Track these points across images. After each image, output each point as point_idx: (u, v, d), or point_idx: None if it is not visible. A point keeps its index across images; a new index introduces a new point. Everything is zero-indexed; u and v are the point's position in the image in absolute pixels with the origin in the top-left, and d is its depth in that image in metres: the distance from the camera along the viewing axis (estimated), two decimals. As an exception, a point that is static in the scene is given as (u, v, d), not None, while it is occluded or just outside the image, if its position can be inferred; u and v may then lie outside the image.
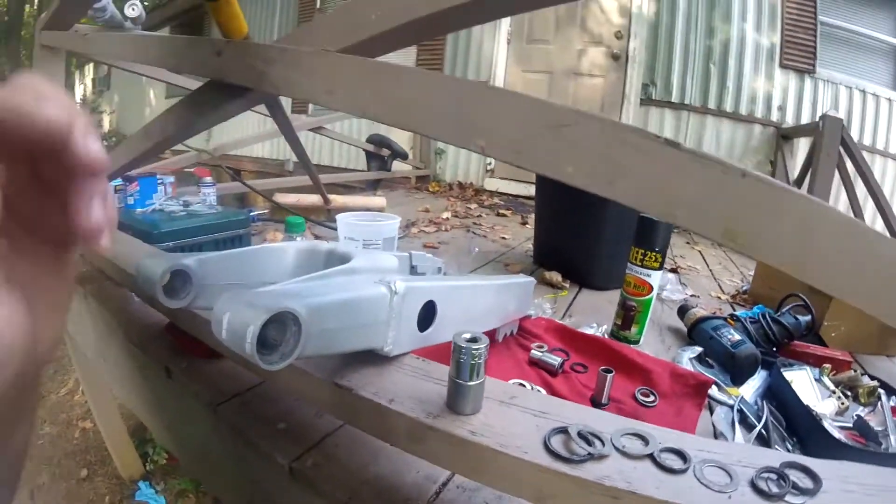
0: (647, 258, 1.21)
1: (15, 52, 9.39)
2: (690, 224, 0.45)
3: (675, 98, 4.01)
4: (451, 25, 0.65)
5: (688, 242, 2.84)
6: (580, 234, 1.72)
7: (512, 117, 0.48)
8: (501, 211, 3.24)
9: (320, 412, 0.80)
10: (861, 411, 1.04)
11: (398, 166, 4.31)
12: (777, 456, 0.52)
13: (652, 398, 0.98)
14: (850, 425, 0.98)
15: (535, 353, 1.06)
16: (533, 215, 3.02)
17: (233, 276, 0.67)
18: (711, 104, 3.96)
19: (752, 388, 1.12)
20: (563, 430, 0.52)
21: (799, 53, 3.87)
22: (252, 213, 1.91)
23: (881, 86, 3.95)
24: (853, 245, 0.43)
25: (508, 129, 0.48)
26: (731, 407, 1.01)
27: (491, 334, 1.06)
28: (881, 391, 1.08)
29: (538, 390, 0.93)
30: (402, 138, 4.40)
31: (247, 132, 3.23)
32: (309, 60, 0.62)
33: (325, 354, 0.51)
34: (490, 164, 4.54)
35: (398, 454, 0.71)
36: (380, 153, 4.11)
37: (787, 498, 0.46)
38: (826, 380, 1.12)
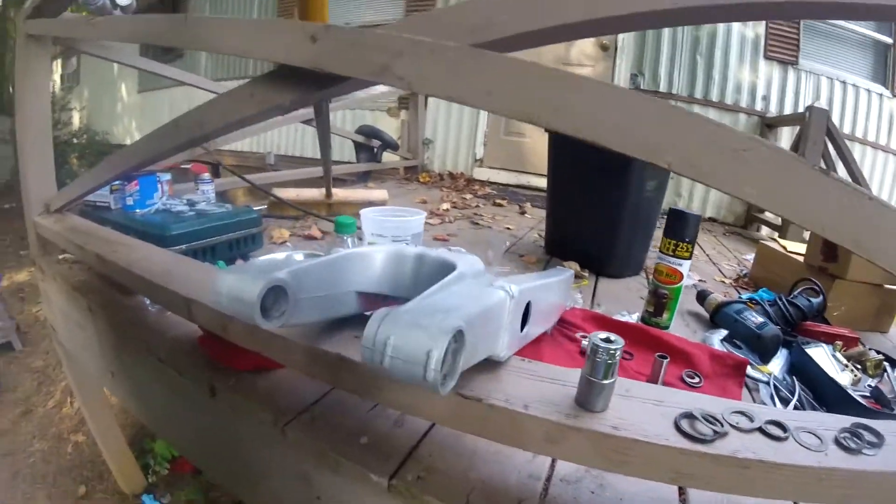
0: (679, 248, 1.26)
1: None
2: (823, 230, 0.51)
3: (662, 88, 4.12)
4: (575, 34, 0.64)
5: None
6: (596, 225, 1.75)
7: (695, 139, 0.51)
8: (497, 201, 3.24)
9: (400, 421, 0.80)
10: (872, 382, 1.14)
11: (386, 157, 4.25)
12: (846, 420, 0.60)
13: (697, 380, 1.03)
14: (868, 394, 1.09)
15: (587, 343, 1.08)
16: (528, 204, 3.09)
17: (323, 286, 0.64)
18: (698, 94, 4.10)
19: (777, 365, 1.19)
20: (689, 415, 0.55)
21: (783, 45, 4.04)
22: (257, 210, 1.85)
23: (861, 77, 4.17)
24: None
25: (692, 149, 0.52)
26: (767, 383, 1.08)
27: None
28: (886, 364, 1.19)
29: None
30: (390, 128, 4.35)
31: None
32: (454, 56, 0.59)
33: (469, 366, 0.51)
34: (479, 153, 4.55)
35: (492, 455, 0.72)
36: (369, 144, 4.05)
37: (864, 451, 0.56)
38: (839, 355, 1.21)
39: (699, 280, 1.84)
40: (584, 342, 1.08)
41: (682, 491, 0.70)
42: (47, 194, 1.41)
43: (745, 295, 1.55)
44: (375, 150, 4.08)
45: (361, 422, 0.79)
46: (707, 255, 2.40)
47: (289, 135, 5.27)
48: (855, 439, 0.57)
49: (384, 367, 0.42)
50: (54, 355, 2.26)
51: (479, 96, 0.57)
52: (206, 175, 1.78)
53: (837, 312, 1.55)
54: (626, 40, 4.11)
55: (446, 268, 0.66)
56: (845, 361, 1.19)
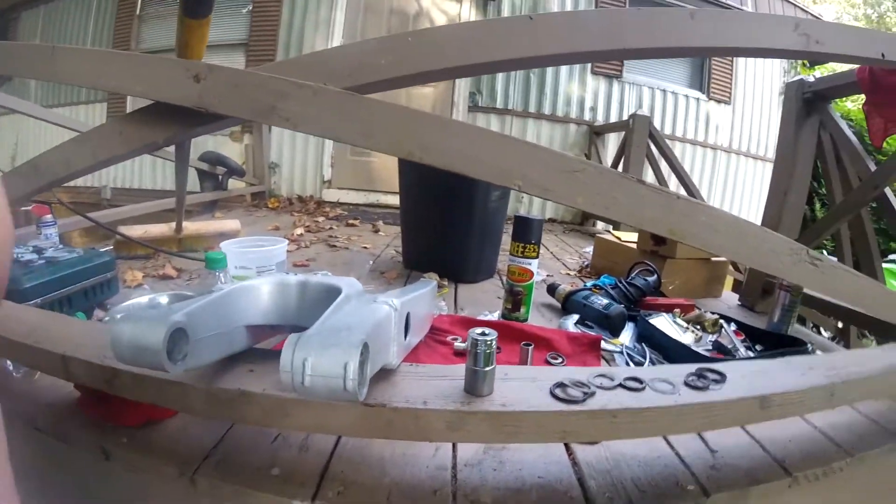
0: (526, 250, 1.43)
1: None
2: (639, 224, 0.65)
3: (499, 104, 4.53)
4: (441, 77, 0.72)
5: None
6: (449, 237, 1.89)
7: (539, 165, 0.62)
8: (350, 221, 3.28)
9: (304, 445, 0.82)
10: (712, 338, 1.38)
11: (232, 184, 4.05)
12: (693, 367, 0.77)
13: (560, 360, 1.18)
14: (711, 347, 1.32)
15: (459, 345, 1.19)
16: (381, 222, 3.17)
17: (217, 324, 0.65)
18: (532, 108, 4.59)
19: (627, 336, 1.39)
20: (560, 384, 0.67)
21: (608, 62, 4.62)
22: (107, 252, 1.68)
23: (680, 85, 5.00)
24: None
25: (537, 173, 0.63)
26: (621, 352, 1.26)
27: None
28: (722, 321, 1.44)
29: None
30: (233, 153, 4.17)
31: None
32: (338, 100, 0.64)
33: (377, 372, 0.56)
34: (326, 175, 4.53)
35: (399, 458, 0.78)
36: (214, 172, 3.84)
37: (711, 387, 0.72)
38: (679, 320, 1.44)
39: (547, 275, 2.07)
40: (456, 344, 1.19)
41: (569, 451, 0.82)
42: None
43: (590, 283, 1.77)
44: (220, 177, 3.88)
45: (268, 454, 0.80)
46: (551, 252, 2.68)
47: (125, 166, 4.83)
48: (701, 380, 0.73)
49: (305, 386, 0.46)
50: None
51: (360, 137, 0.65)
52: (49, 217, 1.58)
53: (673, 287, 1.84)
54: (465, 61, 4.41)
55: (330, 291, 0.70)
56: (685, 325, 1.43)
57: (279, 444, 0.83)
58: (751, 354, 1.31)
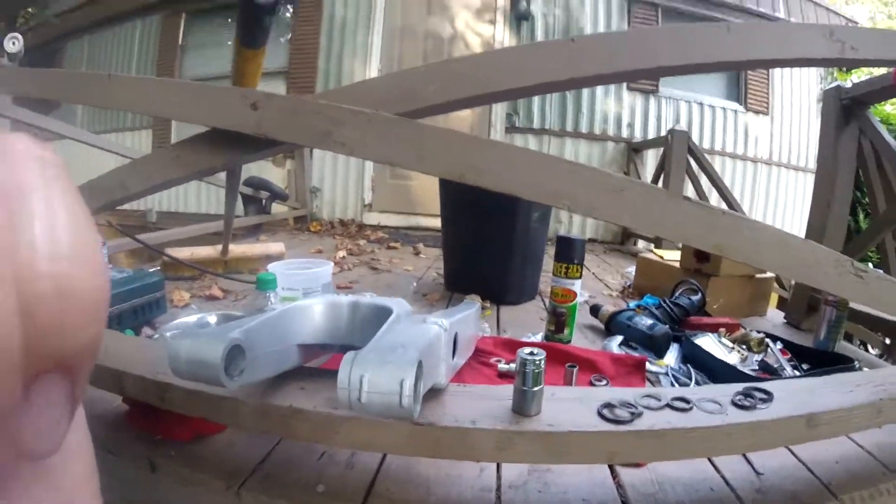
0: (569, 270, 1.42)
1: None
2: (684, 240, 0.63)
3: (536, 124, 4.53)
4: (484, 101, 0.75)
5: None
6: (490, 257, 1.89)
7: (583, 184, 0.64)
8: (391, 244, 3.31)
9: (350, 463, 0.83)
10: (758, 357, 1.34)
11: (274, 208, 4.14)
12: (739, 386, 0.76)
13: (604, 382, 1.16)
14: (757, 367, 1.28)
15: (503, 366, 1.18)
16: (421, 245, 3.19)
17: (272, 342, 0.67)
18: (569, 127, 4.56)
19: (672, 357, 1.36)
20: (608, 405, 0.67)
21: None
22: (153, 272, 1.75)
23: (716, 97, 4.90)
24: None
25: (582, 193, 0.64)
26: (666, 374, 1.24)
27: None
28: (767, 340, 1.40)
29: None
30: (276, 177, 4.25)
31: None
32: (391, 125, 0.67)
33: (426, 391, 0.57)
34: (367, 198, 4.58)
35: (444, 478, 0.79)
36: (258, 196, 3.95)
37: (758, 406, 0.72)
38: (725, 340, 1.41)
39: (590, 296, 2.04)
40: (500, 365, 1.19)
41: (613, 474, 0.81)
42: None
43: (633, 303, 1.76)
44: (264, 201, 3.96)
45: (314, 471, 0.81)
46: (593, 273, 2.64)
47: (170, 190, 5.03)
48: (749, 399, 0.72)
49: (362, 403, 0.47)
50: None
51: (414, 161, 0.67)
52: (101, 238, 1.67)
53: (717, 305, 1.80)
54: (499, 83, 4.46)
55: (381, 311, 0.72)
56: (731, 344, 1.39)
57: (325, 461, 0.84)
58: (797, 373, 1.28)
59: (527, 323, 1.66)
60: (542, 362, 0.62)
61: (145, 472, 0.85)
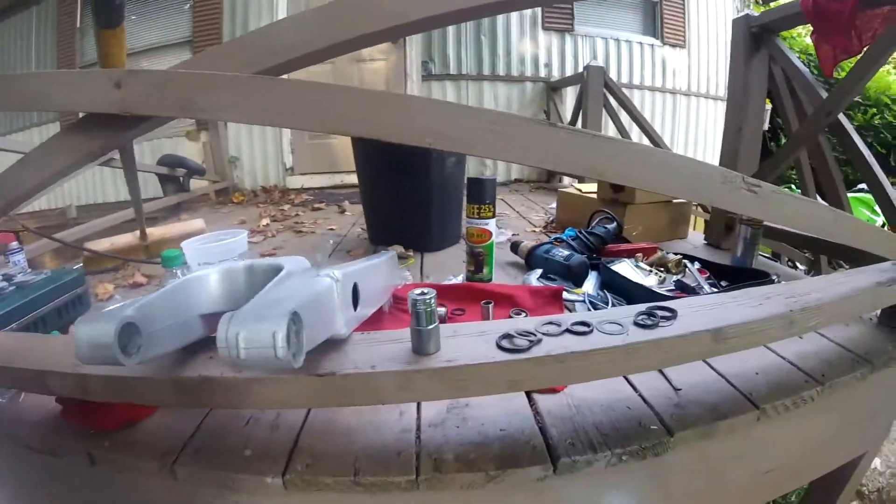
0: (482, 210, 1.44)
1: None
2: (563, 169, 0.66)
3: (453, 70, 4.46)
4: (354, 47, 0.73)
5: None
6: (410, 209, 1.91)
7: (456, 122, 0.64)
8: (316, 205, 3.26)
9: (275, 424, 0.84)
10: (676, 279, 1.39)
11: (195, 184, 3.98)
12: (643, 307, 0.78)
13: (524, 314, 1.18)
14: (673, 287, 1.34)
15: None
16: (346, 203, 3.16)
17: (169, 316, 0.67)
18: (486, 71, 4.52)
19: (591, 285, 1.41)
20: (506, 335, 0.69)
21: (558, 16, 4.60)
22: (75, 269, 1.69)
23: (633, 32, 4.94)
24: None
25: (454, 130, 0.65)
26: (583, 301, 1.29)
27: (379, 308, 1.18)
28: (685, 261, 1.46)
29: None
30: (192, 152, 4.10)
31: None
32: (251, 85, 0.67)
33: (315, 346, 0.58)
34: (288, 162, 4.47)
35: (366, 426, 0.81)
36: (174, 174, 3.79)
37: (661, 324, 0.73)
38: (642, 264, 1.47)
39: (513, 234, 2.09)
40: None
41: (531, 401, 0.85)
42: None
43: (553, 237, 1.80)
44: (182, 179, 3.82)
45: (241, 437, 0.82)
46: (517, 212, 2.70)
47: (86, 182, 4.74)
48: (650, 318, 0.75)
49: (242, 359, 0.48)
50: None
51: (277, 118, 0.67)
52: (15, 244, 1.60)
53: (636, 232, 1.86)
54: (413, 31, 4.35)
55: (276, 271, 0.72)
56: (648, 268, 1.44)
57: (252, 425, 0.85)
58: (715, 290, 1.32)
59: (451, 267, 1.68)
60: (433, 301, 0.64)
61: (86, 467, 0.85)
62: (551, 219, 2.38)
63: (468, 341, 0.69)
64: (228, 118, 0.71)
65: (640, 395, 0.87)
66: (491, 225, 1.45)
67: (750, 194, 0.80)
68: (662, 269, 1.46)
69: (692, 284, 1.35)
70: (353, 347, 0.70)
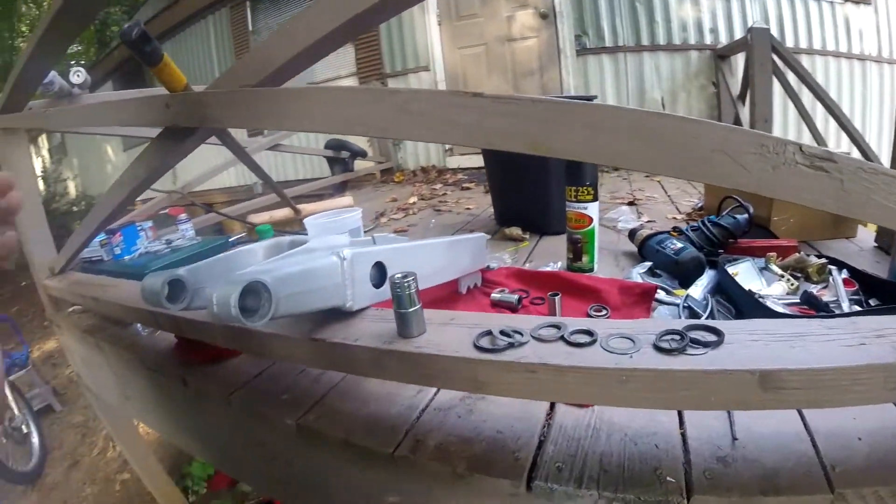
0: (580, 193, 1.34)
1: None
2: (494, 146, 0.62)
3: (608, 42, 4.12)
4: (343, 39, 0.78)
5: (647, 176, 2.94)
6: (530, 190, 1.88)
7: (371, 106, 0.66)
8: (465, 185, 3.37)
9: (318, 378, 0.95)
10: (813, 288, 1.08)
11: (361, 164, 4.40)
12: (686, 323, 0.61)
13: (604, 312, 1.10)
14: (797, 301, 1.05)
15: (495, 295, 1.20)
16: None
17: (218, 277, 0.78)
18: (645, 41, 4.07)
19: (701, 287, 1.20)
20: (487, 333, 0.65)
21: None
22: (230, 238, 2.06)
23: None
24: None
25: (373, 116, 0.67)
26: (678, 305, 1.12)
27: (452, 286, 1.20)
28: (831, 267, 1.12)
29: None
30: (358, 137, 4.54)
31: (208, 166, 3.32)
32: (243, 97, 0.79)
33: (294, 313, 0.65)
34: (447, 144, 4.64)
35: (385, 396, 0.87)
36: (339, 156, 4.22)
37: (688, 351, 0.55)
38: (773, 267, 1.19)
39: (647, 221, 1.92)
40: (493, 295, 1.20)
41: (552, 411, 0.78)
42: (49, 259, 1.61)
43: (672, 227, 1.55)
44: (346, 160, 4.24)
45: (288, 384, 0.96)
46: (669, 196, 2.44)
47: (268, 162, 5.55)
48: (678, 340, 0.57)
49: (215, 314, 0.57)
50: (92, 409, 2.52)
51: (250, 121, 0.78)
52: (183, 216, 2.01)
53: (785, 226, 1.53)
54: (563, 5, 4.12)
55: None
56: (779, 272, 1.17)
57: (301, 376, 0.98)
58: (857, 309, 1.01)
59: (559, 253, 1.59)
60: (412, 285, 0.65)
61: (181, 387, 1.09)
62: (699, 205, 2.11)
63: (455, 331, 0.68)
64: (231, 126, 0.86)
65: (682, 433, 0.69)
66: (591, 209, 1.34)
67: (812, 171, 0.52)
68: (800, 274, 1.16)
69: (828, 300, 1.03)
70: (359, 321, 0.74)
